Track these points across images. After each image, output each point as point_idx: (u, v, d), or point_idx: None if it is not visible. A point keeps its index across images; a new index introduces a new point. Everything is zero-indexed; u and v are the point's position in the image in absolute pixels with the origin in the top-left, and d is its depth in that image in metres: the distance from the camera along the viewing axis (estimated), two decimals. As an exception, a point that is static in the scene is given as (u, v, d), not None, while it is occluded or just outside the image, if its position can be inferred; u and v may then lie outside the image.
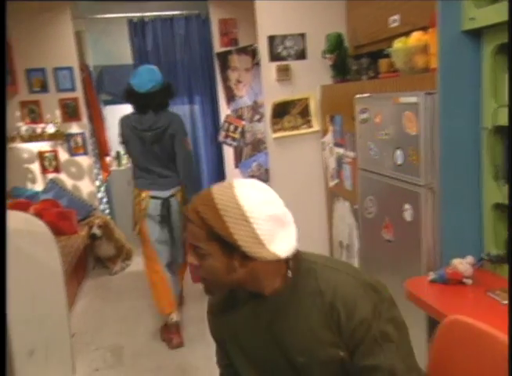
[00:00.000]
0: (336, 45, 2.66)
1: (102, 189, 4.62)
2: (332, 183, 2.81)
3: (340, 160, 2.69)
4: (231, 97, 4.52)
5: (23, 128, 4.06)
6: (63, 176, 4.25)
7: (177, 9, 4.36)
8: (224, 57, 4.41)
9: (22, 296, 2.50)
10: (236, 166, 4.67)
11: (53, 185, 4.18)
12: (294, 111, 2.91)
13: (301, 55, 2.86)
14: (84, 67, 4.42)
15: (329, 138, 2.78)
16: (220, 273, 1.03)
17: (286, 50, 2.84)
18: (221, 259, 1.01)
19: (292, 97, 2.90)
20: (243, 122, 4.58)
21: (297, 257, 1.08)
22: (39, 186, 4.19)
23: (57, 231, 3.24)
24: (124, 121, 2.85)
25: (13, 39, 3.95)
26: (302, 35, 2.84)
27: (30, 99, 4.09)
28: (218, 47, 4.37)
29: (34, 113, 4.12)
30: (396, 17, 2.31)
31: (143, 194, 2.84)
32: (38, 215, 3.69)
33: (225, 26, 4.35)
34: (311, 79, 2.87)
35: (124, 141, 2.87)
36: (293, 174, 2.98)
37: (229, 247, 1.00)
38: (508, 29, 1.54)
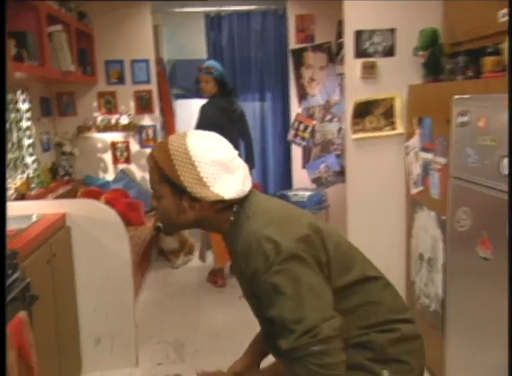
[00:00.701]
0: (430, 42, 2.44)
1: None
2: (415, 190, 2.60)
3: (426, 166, 2.48)
4: (303, 95, 4.37)
5: (99, 118, 4.13)
6: (132, 167, 4.29)
7: (254, 3, 4.27)
8: (298, 54, 4.27)
9: (92, 283, 2.49)
10: (304, 166, 4.52)
11: (123, 175, 4.21)
12: (377, 112, 2.72)
13: (390, 51, 2.66)
14: (159, 61, 4.44)
15: (414, 141, 2.57)
16: (172, 214, 1.15)
17: (374, 46, 2.65)
18: (172, 200, 1.13)
19: (376, 96, 2.71)
20: (314, 122, 4.43)
21: (243, 204, 1.15)
22: (110, 176, 4.24)
23: (126, 221, 3.22)
24: (214, 105, 3.47)
25: (95, 31, 4.02)
26: (392, 30, 2.64)
27: (108, 90, 4.14)
28: (293, 43, 4.23)
29: (109, 103, 4.18)
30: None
31: None
32: (109, 204, 3.72)
33: (301, 22, 4.21)
34: (398, 78, 2.67)
35: (210, 123, 3.26)
36: (371, 178, 2.79)
37: (179, 189, 1.11)
38: (508, 29, 1.41)
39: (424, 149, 2.50)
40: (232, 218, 1.16)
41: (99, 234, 2.48)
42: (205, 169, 1.09)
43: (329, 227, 1.19)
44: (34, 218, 2.28)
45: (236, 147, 3.73)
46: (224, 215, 1.16)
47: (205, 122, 3.37)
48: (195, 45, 4.66)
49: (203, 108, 3.51)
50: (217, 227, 1.19)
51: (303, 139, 4.45)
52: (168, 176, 1.11)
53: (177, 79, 4.97)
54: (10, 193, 2.97)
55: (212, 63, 3.67)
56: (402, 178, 2.76)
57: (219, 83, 3.53)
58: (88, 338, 2.49)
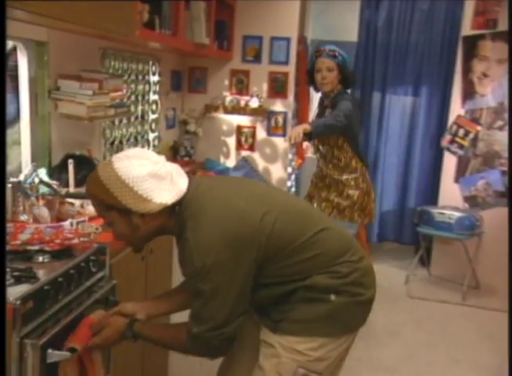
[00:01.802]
0: None
1: (293, 177, 4.33)
2: None
3: None
4: (469, 94, 3.71)
5: (228, 98, 3.94)
6: (255, 156, 4.05)
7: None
8: (472, 42, 3.61)
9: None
10: (456, 180, 3.87)
11: (245, 163, 4.00)
12: None
13: None
14: (301, 40, 4.11)
15: None
16: (127, 234, 1.29)
17: None
18: (123, 222, 1.26)
19: None
20: (479, 127, 3.74)
21: (182, 204, 1.28)
22: (231, 162, 4.06)
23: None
24: (356, 101, 2.97)
25: (237, 3, 3.82)
26: None
27: (241, 68, 3.93)
28: (467, 29, 3.59)
29: (241, 83, 3.97)
30: None
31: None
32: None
33: (483, 3, 3.53)
34: None
35: (356, 122, 2.89)
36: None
37: (124, 211, 1.24)
38: (508, 29, 1.34)
39: None
40: (177, 219, 1.29)
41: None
42: (140, 186, 1.22)
43: (272, 205, 1.33)
44: (138, 205, 2.12)
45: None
46: (173, 219, 1.30)
47: (355, 121, 2.84)
48: (345, 25, 4.23)
49: (354, 103, 2.85)
50: (173, 231, 1.33)
51: (461, 146, 3.79)
52: (111, 204, 1.24)
53: (318, 62, 4.60)
54: (126, 169, 2.91)
55: (334, 46, 2.95)
56: None
57: (343, 73, 2.83)
58: (176, 347, 2.29)
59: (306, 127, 2.67)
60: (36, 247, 1.46)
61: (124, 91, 2.64)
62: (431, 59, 3.82)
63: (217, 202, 1.29)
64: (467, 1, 3.55)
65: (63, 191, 1.89)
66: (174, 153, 3.80)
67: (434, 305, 3.48)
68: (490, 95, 3.67)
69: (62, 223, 1.68)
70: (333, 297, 1.34)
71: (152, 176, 1.23)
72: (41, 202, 1.70)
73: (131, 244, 1.37)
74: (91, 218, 1.81)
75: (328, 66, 2.82)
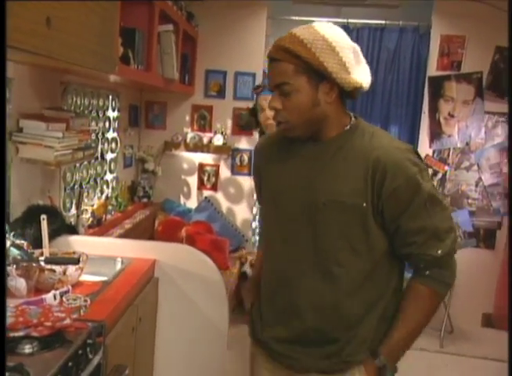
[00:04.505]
0: None
1: (258, 218, 4.23)
2: None
3: None
4: (436, 134, 3.84)
5: (190, 135, 3.83)
6: (219, 196, 3.93)
7: (392, 18, 3.82)
8: (438, 83, 3.76)
9: (174, 354, 2.09)
10: (425, 221, 3.96)
11: (207, 204, 3.86)
12: None
13: None
14: (265, 75, 4.11)
15: None
16: (305, 108, 1.20)
17: None
18: (308, 92, 1.19)
19: None
20: (446, 167, 3.87)
21: (359, 119, 1.30)
22: (192, 203, 3.91)
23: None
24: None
25: (200, 35, 3.75)
26: None
27: (204, 104, 3.84)
28: (432, 70, 3.74)
29: (204, 119, 3.87)
30: None
31: None
32: (190, 239, 3.38)
33: (448, 44, 3.71)
34: None
35: None
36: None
37: (316, 79, 1.18)
38: (508, 30, 1.47)
39: None
40: (347, 128, 1.24)
41: (192, 291, 2.08)
42: (346, 54, 1.16)
43: None
44: (120, 265, 1.92)
45: None
46: (342, 120, 1.25)
47: None
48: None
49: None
50: (329, 131, 1.24)
51: (429, 186, 3.90)
52: (310, 64, 1.15)
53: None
54: (87, 216, 2.67)
55: None
56: None
57: None
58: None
59: None
60: (21, 334, 1.24)
61: (91, 130, 2.44)
62: (399, 99, 3.93)
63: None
64: (432, 42, 3.70)
65: (36, 253, 1.66)
66: (131, 194, 3.58)
67: (412, 354, 3.45)
68: (456, 135, 3.82)
69: (43, 297, 1.46)
70: None
71: (354, 52, 1.20)
72: (16, 271, 1.46)
73: (292, 127, 1.23)
74: (74, 286, 1.60)
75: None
